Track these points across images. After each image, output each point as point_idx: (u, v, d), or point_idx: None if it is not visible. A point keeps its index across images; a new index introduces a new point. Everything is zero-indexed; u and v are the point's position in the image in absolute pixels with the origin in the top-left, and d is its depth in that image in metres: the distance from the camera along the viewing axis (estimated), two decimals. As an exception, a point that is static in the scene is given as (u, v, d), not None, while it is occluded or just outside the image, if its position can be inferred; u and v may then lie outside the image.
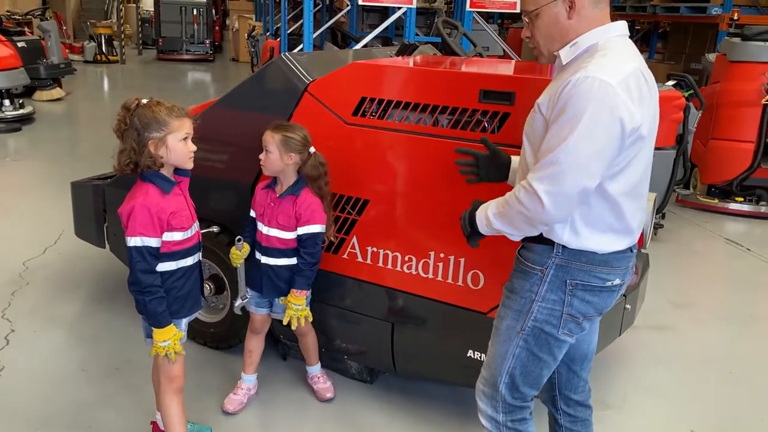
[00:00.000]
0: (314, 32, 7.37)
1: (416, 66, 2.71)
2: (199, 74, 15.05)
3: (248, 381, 2.80)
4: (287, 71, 2.70)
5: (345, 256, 2.68)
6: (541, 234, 1.78)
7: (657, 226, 5.07)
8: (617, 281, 1.81)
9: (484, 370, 1.96)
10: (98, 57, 15.44)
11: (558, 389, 2.08)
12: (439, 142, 2.38)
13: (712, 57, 6.69)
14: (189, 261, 2.23)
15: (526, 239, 1.85)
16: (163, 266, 2.15)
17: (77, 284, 3.87)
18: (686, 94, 3.00)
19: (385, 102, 2.48)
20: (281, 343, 3.08)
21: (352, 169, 2.60)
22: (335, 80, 2.58)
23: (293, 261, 2.57)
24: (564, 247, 1.76)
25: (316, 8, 9.92)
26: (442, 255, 2.47)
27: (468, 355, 2.49)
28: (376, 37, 7.31)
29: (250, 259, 2.66)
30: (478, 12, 7.43)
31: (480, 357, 2.42)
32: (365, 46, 6.85)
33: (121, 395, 2.82)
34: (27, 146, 7.64)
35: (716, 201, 5.92)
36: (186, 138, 2.12)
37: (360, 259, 2.65)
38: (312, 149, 2.50)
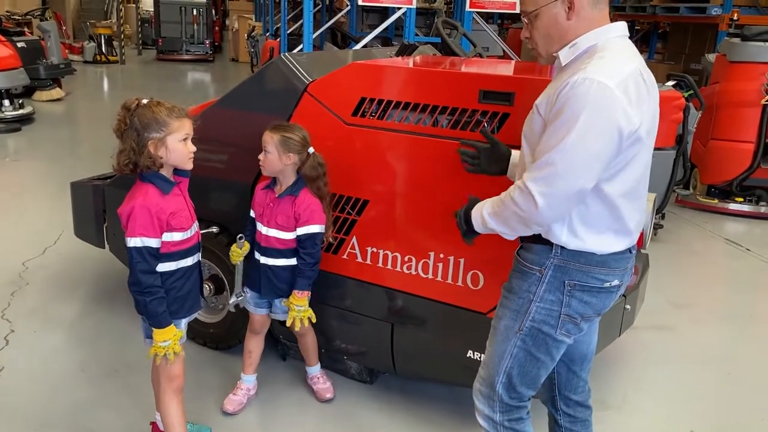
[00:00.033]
0: (314, 32, 7.37)
1: (416, 66, 2.71)
2: (199, 74, 15.05)
3: (248, 381, 2.80)
4: (287, 71, 2.70)
5: (345, 256, 2.68)
6: (540, 234, 1.78)
7: (657, 227, 5.07)
8: (616, 282, 1.81)
9: (482, 369, 1.97)
10: (98, 57, 15.43)
11: (558, 389, 2.08)
12: (439, 142, 2.38)
13: (711, 57, 6.70)
14: (188, 261, 2.23)
15: (525, 239, 1.85)
16: (162, 267, 2.15)
17: (77, 284, 3.86)
18: (686, 95, 3.00)
19: (384, 102, 2.48)
20: (281, 343, 3.08)
21: (352, 169, 2.60)
22: (335, 80, 2.58)
23: (292, 261, 2.57)
24: (562, 247, 1.76)
25: (316, 8, 9.91)
26: (441, 255, 2.47)
27: (468, 355, 2.49)
28: (375, 38, 7.31)
29: (250, 260, 2.66)
30: (477, 12, 7.42)
31: (479, 357, 2.42)
32: (365, 46, 6.85)
33: (120, 395, 2.82)
34: (27, 146, 7.64)
35: (716, 201, 5.92)
36: (186, 138, 2.13)
37: (360, 259, 2.65)
38: (311, 150, 2.50)
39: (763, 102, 5.59)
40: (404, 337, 2.65)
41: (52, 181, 5.89)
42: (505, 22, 14.86)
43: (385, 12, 8.94)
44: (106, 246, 3.55)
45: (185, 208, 2.20)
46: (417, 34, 7.45)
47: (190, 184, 2.27)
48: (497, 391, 1.90)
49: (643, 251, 3.00)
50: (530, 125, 1.78)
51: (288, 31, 9.41)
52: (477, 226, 1.85)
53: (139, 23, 18.98)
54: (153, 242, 2.09)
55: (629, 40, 1.78)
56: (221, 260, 2.96)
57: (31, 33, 11.14)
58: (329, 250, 2.70)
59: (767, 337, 3.71)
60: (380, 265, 2.61)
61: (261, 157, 2.50)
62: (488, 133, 2.09)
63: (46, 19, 12.19)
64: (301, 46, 7.29)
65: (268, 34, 12.64)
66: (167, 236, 2.13)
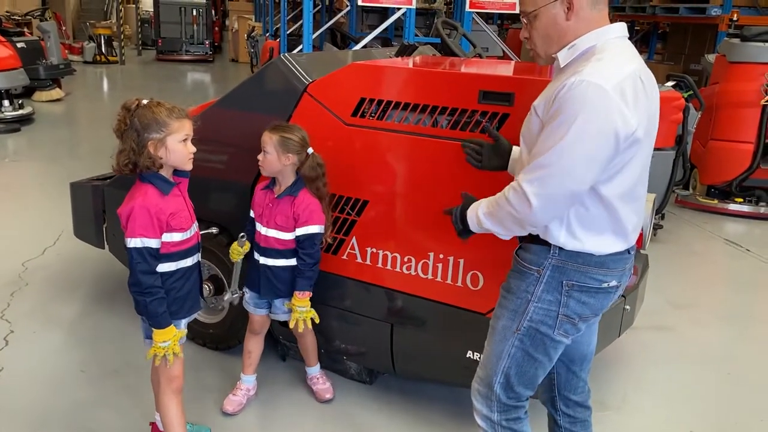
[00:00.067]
0: (314, 33, 7.36)
1: (416, 67, 2.71)
2: (199, 75, 15.05)
3: (247, 382, 2.80)
4: (286, 72, 2.70)
5: (344, 256, 2.68)
6: (538, 235, 1.79)
7: (656, 227, 5.07)
8: (614, 283, 1.81)
9: (480, 369, 1.97)
10: (98, 57, 15.43)
11: (557, 390, 2.08)
12: (439, 142, 2.38)
13: (711, 58, 6.70)
14: (188, 262, 2.23)
15: (524, 240, 1.85)
16: (162, 267, 2.15)
17: (76, 285, 3.86)
18: (686, 95, 3.01)
19: (384, 103, 2.48)
20: (280, 343, 3.08)
21: (352, 169, 2.60)
22: (334, 81, 2.58)
23: (291, 262, 2.57)
24: (560, 248, 1.76)
25: (316, 9, 9.91)
26: (441, 256, 2.47)
27: (467, 355, 2.49)
28: (375, 38, 7.31)
29: (249, 260, 2.66)
30: (477, 13, 7.42)
31: (479, 358, 2.41)
32: (365, 46, 6.85)
33: (120, 396, 2.82)
34: (26, 147, 7.64)
35: (716, 202, 5.92)
36: (186, 139, 2.13)
37: (359, 259, 2.65)
38: (310, 150, 2.50)
39: (762, 102, 5.59)
40: (404, 337, 2.65)
41: (51, 182, 5.89)
42: (504, 23, 14.87)
43: (385, 12, 8.94)
44: (106, 246, 3.55)
45: (185, 209, 2.20)
46: (417, 35, 7.45)
47: (189, 185, 2.27)
48: (495, 391, 1.90)
49: (642, 252, 3.01)
50: (528, 126, 1.78)
51: (288, 32, 9.41)
52: (473, 225, 1.86)
53: (139, 24, 18.98)
54: (153, 243, 2.09)
55: (629, 41, 1.78)
56: (221, 261, 2.96)
57: (31, 33, 11.15)
58: (329, 250, 2.70)
59: (767, 338, 3.72)
60: (380, 265, 2.61)
61: (260, 157, 2.50)
62: (491, 130, 2.10)
63: (46, 20, 12.20)
64: (300, 47, 7.29)
65: (267, 34, 12.63)
66: (167, 237, 2.13)
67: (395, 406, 2.82)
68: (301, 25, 7.14)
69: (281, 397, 2.86)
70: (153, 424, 2.51)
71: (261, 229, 2.58)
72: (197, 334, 3.13)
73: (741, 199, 5.86)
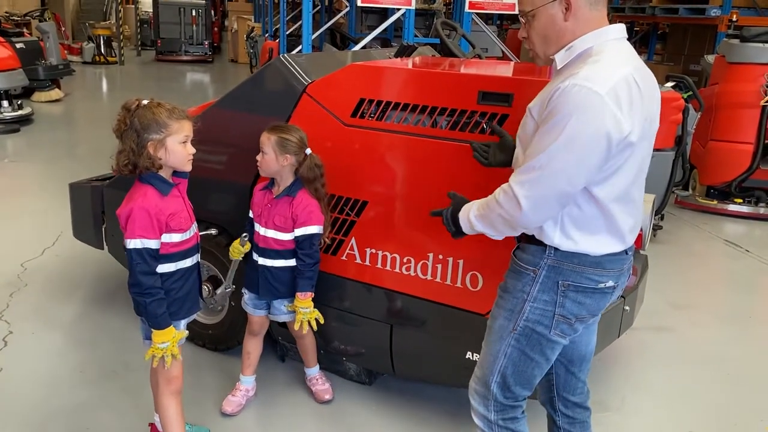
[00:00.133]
0: (313, 33, 7.36)
1: (415, 67, 2.71)
2: (198, 75, 15.05)
3: (246, 382, 2.80)
4: (286, 72, 2.69)
5: (344, 257, 2.68)
6: (534, 235, 1.79)
7: (656, 228, 5.07)
8: (610, 283, 1.81)
9: (477, 368, 1.97)
10: (97, 58, 15.43)
11: (556, 391, 2.08)
12: (438, 143, 2.38)
13: (711, 58, 6.70)
14: (188, 262, 2.23)
15: (521, 240, 1.86)
16: (161, 268, 2.15)
17: (76, 286, 3.86)
18: (685, 96, 3.01)
19: (383, 103, 2.48)
20: (279, 344, 3.07)
21: (351, 170, 2.59)
22: (334, 82, 2.58)
23: (290, 263, 2.57)
24: (556, 248, 1.76)
25: (315, 9, 9.91)
26: (440, 256, 2.46)
27: (467, 356, 2.49)
28: (374, 39, 7.31)
29: (248, 260, 2.66)
30: (477, 13, 7.42)
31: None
32: (364, 47, 6.85)
33: (119, 397, 2.82)
34: (25, 147, 7.63)
35: (715, 202, 5.92)
36: (185, 140, 2.13)
37: (359, 260, 2.65)
38: (308, 151, 2.50)
39: (762, 103, 5.59)
40: (403, 338, 2.65)
41: (50, 182, 5.89)
42: (504, 23, 14.87)
43: (384, 13, 8.94)
44: (105, 247, 3.55)
45: (184, 209, 2.20)
46: (416, 35, 7.45)
47: (189, 185, 2.26)
48: (492, 390, 1.90)
49: (642, 252, 3.01)
50: (524, 128, 1.79)
51: (287, 32, 9.40)
52: (465, 228, 1.88)
53: (138, 24, 18.98)
54: (152, 243, 2.09)
55: (627, 43, 1.77)
56: (220, 261, 2.96)
57: (30, 34, 11.15)
58: (328, 251, 2.69)
59: (766, 338, 3.72)
60: (379, 266, 2.61)
61: (258, 158, 2.50)
62: (496, 126, 2.11)
63: (45, 20, 12.20)
64: (300, 47, 7.29)
65: (267, 35, 12.62)
66: (166, 237, 2.13)
67: (394, 407, 2.82)
68: (301, 26, 7.14)
69: (280, 397, 2.86)
70: (152, 425, 2.51)
71: (260, 229, 2.58)
72: (196, 335, 3.12)
73: (740, 200, 5.86)
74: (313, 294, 2.58)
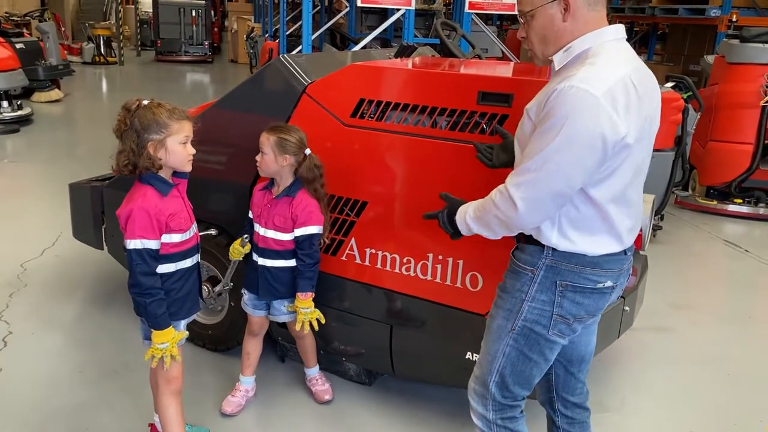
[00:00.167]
0: (313, 34, 7.36)
1: (415, 68, 2.71)
2: (198, 76, 15.05)
3: (246, 383, 2.80)
4: (286, 73, 2.70)
5: (343, 257, 2.68)
6: (532, 235, 1.79)
7: (656, 228, 5.07)
8: (609, 283, 1.81)
9: (476, 368, 1.98)
10: (97, 58, 15.42)
11: (555, 391, 2.08)
12: (438, 143, 2.38)
13: (710, 59, 6.70)
14: (187, 263, 2.23)
15: (519, 240, 1.86)
16: (161, 268, 2.15)
17: (75, 286, 3.86)
18: (685, 96, 3.01)
19: (383, 104, 2.48)
20: (279, 344, 3.07)
21: (351, 170, 2.59)
22: (334, 82, 2.58)
23: (290, 263, 2.57)
24: (554, 248, 1.76)
25: (315, 10, 9.91)
26: (440, 257, 2.46)
27: (466, 357, 2.49)
28: (374, 39, 7.31)
29: (248, 261, 2.66)
30: (476, 14, 7.42)
31: (478, 359, 2.42)
32: (364, 47, 6.85)
33: (118, 397, 2.82)
34: (25, 148, 7.63)
35: (715, 203, 5.92)
36: (185, 141, 2.13)
37: (358, 260, 2.65)
38: (308, 151, 2.50)
39: (761, 103, 5.59)
40: (403, 338, 2.65)
41: (50, 183, 5.89)
42: (504, 24, 14.88)
43: (384, 13, 8.95)
44: (105, 247, 3.55)
45: (184, 210, 2.20)
46: (416, 36, 7.45)
47: (189, 186, 2.26)
48: (490, 389, 1.90)
49: (642, 252, 3.01)
50: (522, 129, 1.78)
51: (287, 33, 9.41)
52: (462, 229, 1.89)
53: (138, 24, 18.97)
54: (152, 244, 2.09)
55: (626, 43, 1.77)
56: (220, 262, 2.96)
57: (30, 34, 11.15)
58: (328, 251, 2.69)
59: (766, 338, 3.72)
60: (379, 266, 2.61)
61: (258, 158, 2.50)
62: (500, 128, 2.12)
63: (45, 20, 12.20)
64: (300, 48, 7.29)
65: (267, 35, 12.63)
66: (166, 238, 2.13)
67: (394, 408, 2.82)
68: (301, 26, 7.14)
69: (280, 398, 2.86)
70: (152, 425, 2.51)
71: (259, 229, 2.58)
72: (196, 335, 3.12)
73: (740, 200, 5.86)
74: (314, 294, 2.58)
